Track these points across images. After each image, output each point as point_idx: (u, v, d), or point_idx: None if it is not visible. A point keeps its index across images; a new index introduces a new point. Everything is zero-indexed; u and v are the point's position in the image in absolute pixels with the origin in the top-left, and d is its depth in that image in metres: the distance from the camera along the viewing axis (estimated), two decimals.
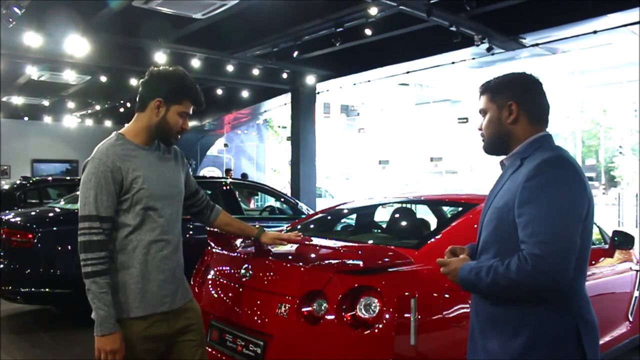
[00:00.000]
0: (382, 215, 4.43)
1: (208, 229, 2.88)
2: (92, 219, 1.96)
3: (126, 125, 2.17)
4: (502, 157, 1.86)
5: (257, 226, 2.67)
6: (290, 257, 2.94)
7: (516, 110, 1.76)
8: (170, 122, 2.11)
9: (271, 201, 8.08)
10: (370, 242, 3.53)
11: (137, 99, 2.14)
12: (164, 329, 2.09)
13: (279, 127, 23.67)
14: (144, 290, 2.04)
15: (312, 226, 3.82)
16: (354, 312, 2.36)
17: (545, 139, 1.75)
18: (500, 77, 1.84)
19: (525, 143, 1.75)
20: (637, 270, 3.83)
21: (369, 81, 11.98)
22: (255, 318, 2.58)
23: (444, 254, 1.88)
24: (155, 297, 2.06)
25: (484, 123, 1.84)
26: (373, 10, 6.84)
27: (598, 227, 3.80)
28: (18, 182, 8.38)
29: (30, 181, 8.53)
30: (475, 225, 1.95)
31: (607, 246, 3.69)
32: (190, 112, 2.16)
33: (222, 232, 2.80)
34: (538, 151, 1.70)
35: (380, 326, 2.28)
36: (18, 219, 5.31)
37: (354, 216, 4.38)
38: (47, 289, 4.96)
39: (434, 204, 4.18)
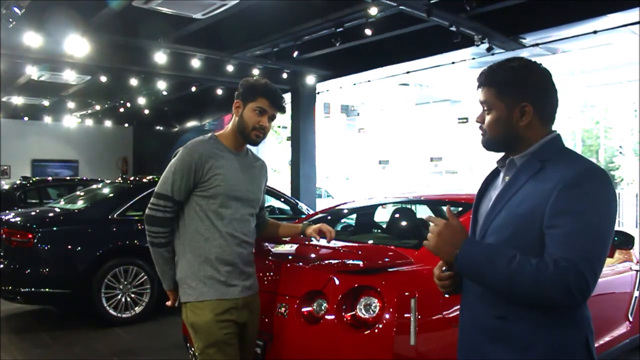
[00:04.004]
0: (382, 216, 4.43)
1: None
2: (166, 198, 2.22)
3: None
4: (500, 154, 1.67)
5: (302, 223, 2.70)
6: (290, 257, 2.94)
7: (530, 113, 1.54)
8: (244, 117, 2.31)
9: (271, 201, 8.05)
10: (370, 242, 3.54)
11: None
12: (234, 316, 2.26)
13: (279, 127, 23.62)
14: (213, 278, 2.23)
15: None
16: (354, 312, 2.36)
17: (560, 140, 1.59)
18: (507, 68, 1.56)
19: (540, 144, 1.56)
20: (637, 270, 3.82)
21: (369, 81, 11.98)
22: None
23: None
24: (222, 286, 2.24)
25: (489, 121, 1.58)
26: (373, 10, 6.83)
27: None
28: (18, 182, 8.38)
29: (31, 181, 8.53)
30: None
31: None
32: (269, 110, 2.33)
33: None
34: (561, 155, 1.54)
35: (380, 326, 2.28)
36: (18, 219, 5.31)
37: (354, 216, 4.39)
38: (47, 289, 4.96)
39: (434, 204, 4.18)
